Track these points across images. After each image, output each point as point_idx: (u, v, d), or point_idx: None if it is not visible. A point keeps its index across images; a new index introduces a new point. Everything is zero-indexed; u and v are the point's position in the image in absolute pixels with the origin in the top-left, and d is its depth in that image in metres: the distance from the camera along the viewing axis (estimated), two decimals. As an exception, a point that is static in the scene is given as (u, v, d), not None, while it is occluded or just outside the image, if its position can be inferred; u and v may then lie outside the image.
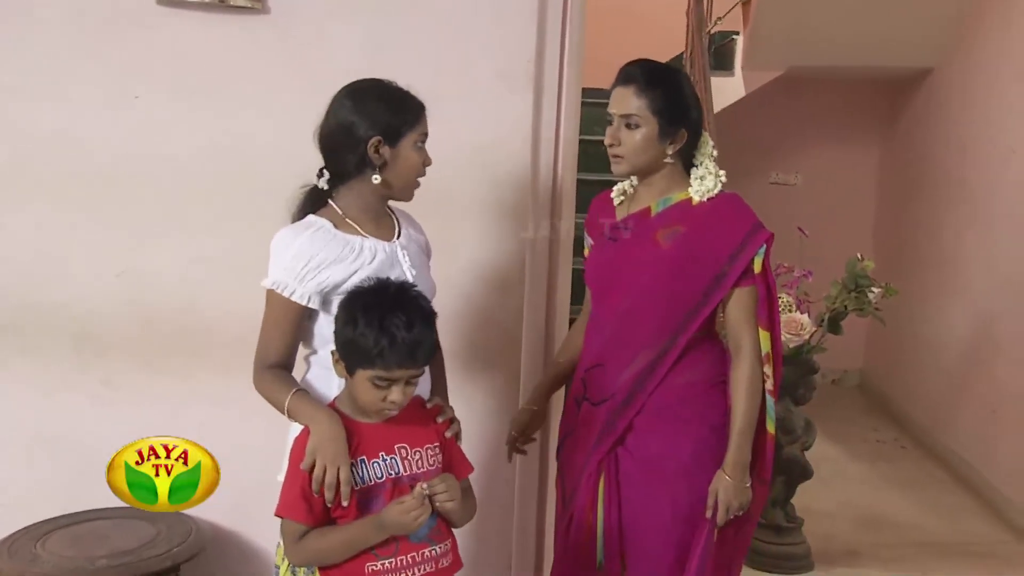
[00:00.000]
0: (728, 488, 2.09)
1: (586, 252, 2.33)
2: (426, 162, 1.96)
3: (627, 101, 2.09)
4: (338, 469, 1.74)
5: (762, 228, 2.13)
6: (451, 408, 1.98)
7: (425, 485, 1.75)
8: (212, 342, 2.64)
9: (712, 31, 5.48)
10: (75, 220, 2.58)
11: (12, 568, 2.36)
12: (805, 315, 3.26)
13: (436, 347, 1.78)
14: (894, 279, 3.48)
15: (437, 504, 1.77)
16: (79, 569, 2.37)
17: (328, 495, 1.74)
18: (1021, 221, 4.15)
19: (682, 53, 5.66)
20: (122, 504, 2.56)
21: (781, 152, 5.96)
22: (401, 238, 2.02)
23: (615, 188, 2.28)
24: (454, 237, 2.43)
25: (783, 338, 2.99)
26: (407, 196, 2.00)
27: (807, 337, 3.27)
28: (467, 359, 2.65)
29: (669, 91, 2.10)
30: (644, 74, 2.11)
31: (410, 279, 1.92)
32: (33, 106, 2.53)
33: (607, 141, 2.12)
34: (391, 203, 2.05)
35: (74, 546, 2.45)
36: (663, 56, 4.09)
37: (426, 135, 1.96)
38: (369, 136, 1.88)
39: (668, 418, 2.14)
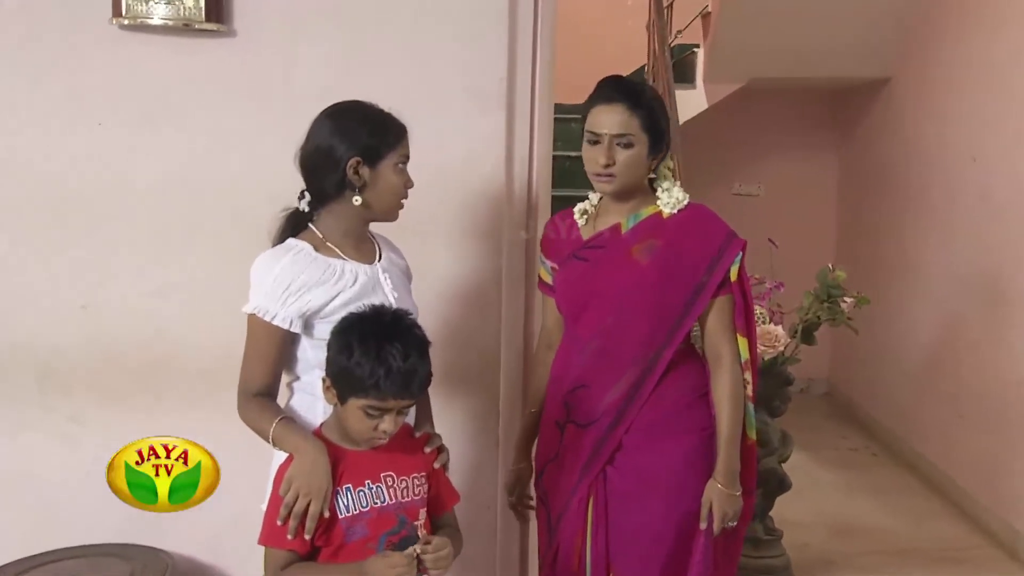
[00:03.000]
0: (721, 497, 2.09)
1: (546, 277, 2.28)
2: (408, 184, 1.94)
3: (619, 120, 2.04)
4: (309, 502, 1.71)
5: (736, 236, 2.14)
6: (439, 436, 1.95)
7: (418, 549, 1.69)
8: (180, 375, 2.57)
9: (672, 44, 5.51)
10: (35, 251, 2.50)
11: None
12: (779, 327, 3.27)
13: (430, 377, 1.75)
14: (858, 286, 3.49)
15: (428, 566, 1.71)
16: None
17: (292, 523, 1.71)
18: (981, 226, 4.21)
19: (643, 66, 5.69)
20: (92, 542, 2.52)
21: (743, 163, 6.01)
22: (382, 261, 1.99)
23: (576, 207, 2.24)
24: (429, 258, 2.40)
25: (758, 350, 2.99)
26: (391, 217, 1.97)
27: (781, 348, 3.27)
28: (444, 382, 2.59)
29: (654, 107, 2.08)
30: (629, 92, 2.07)
31: (392, 303, 1.89)
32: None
33: (602, 161, 2.05)
34: (372, 227, 2.02)
35: (47, 587, 2.36)
36: (623, 71, 4.08)
37: (407, 157, 1.93)
38: (348, 157, 1.85)
39: (656, 433, 2.13)
